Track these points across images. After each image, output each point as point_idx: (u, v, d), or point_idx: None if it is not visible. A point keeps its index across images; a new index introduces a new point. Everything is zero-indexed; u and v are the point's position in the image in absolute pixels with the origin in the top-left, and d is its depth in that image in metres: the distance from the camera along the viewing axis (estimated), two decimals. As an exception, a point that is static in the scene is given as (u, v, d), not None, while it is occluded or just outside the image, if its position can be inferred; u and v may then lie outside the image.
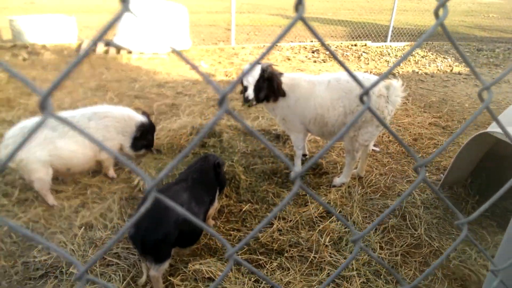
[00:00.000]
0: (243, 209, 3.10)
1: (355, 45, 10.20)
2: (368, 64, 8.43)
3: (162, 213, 2.12)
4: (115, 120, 3.30)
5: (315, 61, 8.40)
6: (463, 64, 8.67)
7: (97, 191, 3.28)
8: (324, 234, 2.83)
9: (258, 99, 3.26)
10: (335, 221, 2.97)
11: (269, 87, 3.22)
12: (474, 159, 3.30)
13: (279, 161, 3.89)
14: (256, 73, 3.18)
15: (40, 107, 0.50)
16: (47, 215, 2.92)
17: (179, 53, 0.58)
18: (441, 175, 3.73)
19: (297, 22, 0.60)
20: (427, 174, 3.82)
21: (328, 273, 2.47)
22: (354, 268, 2.51)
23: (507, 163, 3.15)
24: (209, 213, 2.68)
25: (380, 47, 10.22)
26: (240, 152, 3.90)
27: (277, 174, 3.62)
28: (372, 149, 4.20)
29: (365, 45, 10.27)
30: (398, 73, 7.83)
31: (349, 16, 13.96)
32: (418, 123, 5.11)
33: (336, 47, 9.74)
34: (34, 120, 3.13)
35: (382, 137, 4.58)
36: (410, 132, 4.80)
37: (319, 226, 2.93)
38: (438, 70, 8.19)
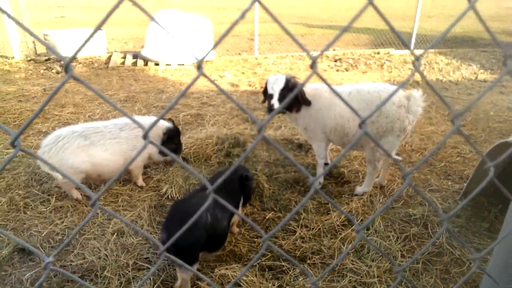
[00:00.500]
0: (267, 217, 3.20)
1: (378, 53, 10.18)
2: (391, 72, 8.41)
3: (190, 219, 2.25)
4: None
5: (337, 70, 8.45)
6: (489, 71, 8.52)
7: (127, 199, 3.46)
8: (346, 242, 2.89)
9: (287, 108, 3.40)
10: (364, 237, 3.02)
11: (295, 97, 3.32)
12: (497, 167, 3.29)
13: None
14: (281, 82, 3.32)
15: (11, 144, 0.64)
16: (81, 222, 3.11)
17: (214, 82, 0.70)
18: (464, 183, 3.72)
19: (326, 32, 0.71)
20: (449, 183, 3.82)
21: (350, 279, 2.53)
22: (376, 275, 2.56)
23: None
24: (233, 221, 2.80)
25: (403, 54, 10.16)
26: (263, 161, 4.01)
27: (299, 182, 3.70)
28: (394, 158, 4.22)
29: (388, 53, 10.24)
30: (422, 80, 7.77)
31: (372, 24, 13.93)
32: (441, 131, 5.09)
33: (359, 56, 9.76)
34: (68, 128, 3.36)
35: (405, 146, 4.59)
36: (433, 140, 4.78)
37: (341, 234, 2.99)
38: (462, 77, 8.08)
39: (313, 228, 3.05)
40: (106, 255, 2.70)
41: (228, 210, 2.54)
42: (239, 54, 10.08)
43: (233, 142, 4.12)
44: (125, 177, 3.71)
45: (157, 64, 8.19)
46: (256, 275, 2.50)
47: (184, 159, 3.96)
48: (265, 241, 0.86)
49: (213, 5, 19.93)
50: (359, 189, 3.55)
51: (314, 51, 10.24)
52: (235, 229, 2.98)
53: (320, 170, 3.72)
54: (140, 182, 3.66)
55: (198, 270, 2.50)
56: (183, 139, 4.12)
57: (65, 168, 3.15)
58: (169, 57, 8.22)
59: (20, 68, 7.85)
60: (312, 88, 3.48)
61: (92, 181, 3.55)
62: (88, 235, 2.96)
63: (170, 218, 2.36)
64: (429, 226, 3.10)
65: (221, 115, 5.48)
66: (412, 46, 10.48)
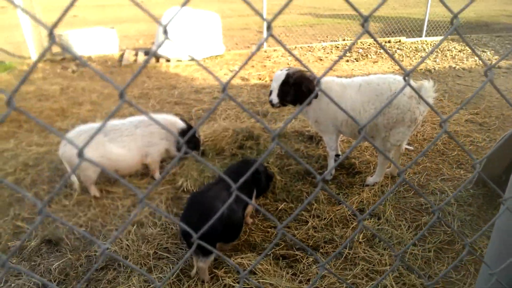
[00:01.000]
0: (279, 208, 3.30)
1: (389, 41, 10.11)
2: (402, 61, 8.36)
3: (208, 211, 2.37)
4: (158, 127, 3.61)
5: (347, 61, 8.44)
6: (506, 58, 8.39)
7: (145, 192, 3.59)
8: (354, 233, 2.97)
9: (284, 102, 3.47)
10: (367, 219, 3.10)
11: (297, 91, 3.39)
12: (508, 156, 3.31)
13: (312, 162, 4.05)
14: (280, 78, 3.41)
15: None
16: (103, 215, 3.26)
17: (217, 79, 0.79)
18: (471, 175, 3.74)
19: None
20: (462, 172, 3.85)
21: (362, 267, 2.62)
22: (387, 263, 2.64)
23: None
24: (247, 211, 2.90)
25: (415, 42, 10.06)
26: (275, 154, 4.10)
27: (310, 174, 3.78)
28: (406, 148, 4.26)
29: (399, 41, 10.15)
30: (434, 69, 7.73)
31: (382, 11, 13.78)
32: (454, 120, 5.09)
33: (369, 45, 9.70)
34: (89, 125, 3.52)
35: (417, 135, 4.62)
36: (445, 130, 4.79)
37: (352, 223, 3.07)
38: (476, 64, 7.99)
39: (325, 218, 3.14)
40: (127, 245, 2.84)
41: (242, 202, 2.64)
42: (248, 47, 10.12)
43: (247, 135, 4.22)
44: (143, 171, 3.85)
45: (168, 60, 8.31)
46: (270, 264, 2.61)
47: (203, 152, 4.08)
48: (279, 230, 0.95)
49: (222, -2, 19.92)
50: (370, 180, 3.62)
51: (323, 41, 10.22)
52: (249, 220, 3.08)
53: (332, 162, 3.78)
54: (157, 175, 3.80)
55: (215, 259, 2.61)
56: (201, 131, 4.24)
57: (84, 162, 3.30)
58: (179, 53, 8.33)
59: (37, 68, 8.06)
60: (327, 81, 3.53)
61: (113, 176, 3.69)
62: (110, 226, 3.10)
63: (188, 210, 2.48)
64: (440, 214, 3.15)
65: (232, 109, 5.57)
66: (424, 33, 10.36)
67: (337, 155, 3.99)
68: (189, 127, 3.83)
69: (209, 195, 2.52)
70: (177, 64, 8.20)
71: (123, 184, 3.62)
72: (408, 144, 4.37)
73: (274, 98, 3.44)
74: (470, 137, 4.60)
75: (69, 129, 4.90)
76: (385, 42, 9.97)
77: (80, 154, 0.77)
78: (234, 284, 2.44)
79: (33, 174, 3.83)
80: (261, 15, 0.81)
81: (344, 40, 10.48)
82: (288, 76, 3.38)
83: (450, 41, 9.93)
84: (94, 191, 3.50)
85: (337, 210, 3.22)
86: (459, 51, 9.03)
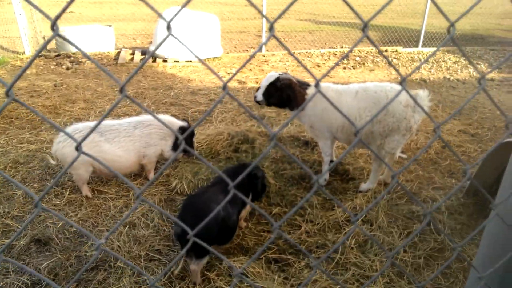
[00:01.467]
0: (273, 212, 3.29)
1: (386, 50, 10.19)
2: (398, 70, 8.43)
3: (203, 213, 2.36)
4: (158, 128, 3.59)
5: (344, 68, 8.49)
6: (497, 70, 8.50)
7: (142, 188, 3.57)
8: (350, 237, 2.97)
9: (269, 103, 3.62)
10: (360, 225, 3.11)
11: (280, 96, 3.50)
12: (500, 166, 3.34)
13: (307, 166, 4.05)
14: (270, 79, 3.53)
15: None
16: (95, 215, 3.23)
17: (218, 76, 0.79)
18: (467, 182, 3.78)
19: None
20: (454, 181, 3.88)
21: (353, 273, 2.62)
22: (378, 269, 2.64)
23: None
24: (241, 215, 2.89)
25: (411, 52, 10.16)
26: (270, 158, 4.10)
27: (305, 179, 3.79)
28: (399, 156, 4.29)
29: (396, 50, 10.23)
30: (429, 79, 7.80)
31: (380, 21, 13.90)
32: (447, 130, 5.14)
33: (366, 53, 9.77)
34: (85, 124, 3.49)
35: (410, 144, 4.65)
36: (438, 139, 4.83)
37: (345, 229, 3.08)
38: (470, 76, 8.08)
39: (318, 223, 3.14)
40: (119, 246, 2.81)
41: (237, 205, 2.63)
42: (247, 50, 10.14)
43: (242, 139, 4.21)
44: (136, 172, 3.82)
45: (165, 61, 8.29)
46: (262, 267, 2.60)
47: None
48: (275, 229, 0.95)
49: (221, 1, 19.97)
50: (363, 186, 3.63)
51: (322, 48, 10.27)
52: (243, 223, 3.07)
53: (326, 168, 3.79)
54: (152, 176, 3.77)
55: (207, 261, 2.60)
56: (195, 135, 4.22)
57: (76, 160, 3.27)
58: (177, 53, 8.31)
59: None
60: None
61: (104, 176, 3.66)
62: (101, 227, 3.07)
63: (183, 212, 2.46)
64: (431, 223, 3.17)
65: (229, 112, 5.57)
66: (420, 43, 10.47)
67: (331, 161, 4.00)
68: (189, 126, 3.82)
69: (205, 198, 2.51)
70: (174, 64, 8.18)
71: (120, 180, 3.61)
72: (402, 152, 4.40)
73: (259, 95, 3.59)
74: (462, 147, 4.64)
75: (62, 127, 4.86)
76: (382, 51, 10.06)
77: (78, 148, 0.76)
78: (225, 287, 2.43)
79: (24, 172, 3.79)
80: (264, 15, 0.81)
81: (342, 47, 10.54)
82: (278, 79, 3.49)
83: (446, 53, 10.04)
84: (86, 191, 3.46)
85: (330, 215, 3.22)
86: (454, 62, 9.14)
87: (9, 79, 6.85)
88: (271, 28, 0.78)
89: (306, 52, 9.80)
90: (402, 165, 4.18)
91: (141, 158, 3.58)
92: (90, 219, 3.17)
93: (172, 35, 0.73)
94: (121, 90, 0.74)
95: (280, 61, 8.89)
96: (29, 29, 8.64)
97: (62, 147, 3.29)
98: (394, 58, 9.45)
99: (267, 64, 8.53)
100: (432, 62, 9.01)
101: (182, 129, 3.70)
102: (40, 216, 3.16)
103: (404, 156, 4.36)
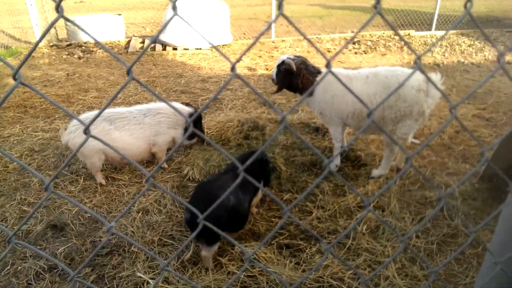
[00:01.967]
0: (284, 198, 3.30)
1: (393, 31, 10.00)
2: (411, 54, 8.28)
3: (214, 199, 2.37)
4: (166, 116, 3.60)
5: (355, 53, 8.37)
6: (513, 52, 8.28)
7: (152, 171, 3.61)
8: (362, 223, 2.97)
9: (277, 90, 3.74)
10: (372, 211, 3.10)
11: (283, 80, 3.58)
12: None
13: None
14: (278, 61, 3.61)
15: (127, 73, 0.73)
16: (109, 201, 3.28)
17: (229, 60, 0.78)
18: (483, 167, 3.72)
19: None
20: (468, 166, 3.82)
21: (365, 258, 2.62)
22: (390, 255, 2.64)
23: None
24: (253, 202, 2.90)
25: (424, 36, 9.95)
26: (281, 145, 4.09)
27: (316, 165, 3.78)
28: (412, 141, 4.23)
29: (409, 34, 10.04)
30: (443, 63, 7.64)
31: (392, 3, 13.61)
32: (461, 115, 5.05)
33: (378, 38, 9.61)
34: (95, 112, 3.53)
35: (423, 129, 4.59)
36: (452, 124, 4.75)
37: (356, 215, 3.07)
38: (485, 59, 7.89)
39: (329, 209, 3.14)
40: (132, 231, 2.86)
41: (249, 192, 2.64)
42: (256, 37, 10.05)
43: (252, 126, 4.21)
44: (149, 159, 3.85)
45: (175, 49, 8.28)
46: (274, 253, 2.62)
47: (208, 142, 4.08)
48: (286, 212, 0.95)
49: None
50: (375, 172, 3.60)
51: (332, 33, 10.13)
52: (254, 210, 3.09)
53: (337, 153, 3.77)
54: (163, 164, 3.81)
55: (219, 247, 2.62)
56: (203, 122, 4.22)
57: (88, 149, 3.31)
58: (186, 41, 8.29)
59: (43, 53, 8.07)
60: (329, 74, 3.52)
61: (117, 164, 3.70)
62: (115, 213, 3.13)
63: (194, 199, 2.48)
64: (444, 208, 3.14)
65: (239, 99, 5.55)
66: (433, 27, 10.24)
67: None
68: (196, 111, 3.83)
69: (216, 185, 2.52)
70: (184, 52, 8.17)
71: (132, 166, 3.65)
72: (415, 137, 4.34)
73: (273, 75, 3.72)
74: (476, 132, 4.56)
75: (75, 115, 4.92)
76: (394, 35, 9.86)
77: (86, 132, 0.76)
78: (238, 272, 2.46)
79: (39, 160, 3.86)
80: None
81: (352, 32, 10.37)
82: (282, 63, 3.54)
83: (460, 36, 9.80)
84: (100, 178, 3.51)
85: (342, 201, 3.22)
86: (468, 45, 8.92)
87: (22, 68, 6.91)
88: (279, 6, 0.76)
89: (317, 37, 9.68)
90: (415, 151, 4.14)
91: (151, 146, 3.61)
92: (104, 205, 3.22)
93: (178, 15, 0.73)
94: (128, 72, 0.74)
95: (290, 47, 8.80)
96: (40, 19, 8.70)
97: (73, 137, 3.32)
98: (402, 40, 9.26)
99: (277, 51, 8.46)
100: (446, 46, 8.81)
101: (190, 115, 3.70)
102: (55, 202, 3.22)
103: (416, 141, 4.30)
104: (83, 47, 8.52)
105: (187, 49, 8.32)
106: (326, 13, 13.75)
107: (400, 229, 2.91)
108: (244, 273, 2.44)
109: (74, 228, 2.96)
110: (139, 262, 2.56)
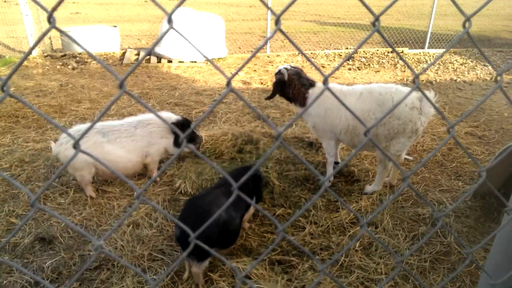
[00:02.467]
0: (277, 213, 3.27)
1: (392, 52, 10.14)
2: (404, 71, 8.38)
3: (204, 216, 2.34)
4: (157, 126, 3.58)
5: (350, 69, 8.46)
6: (507, 72, 8.43)
7: (142, 188, 3.56)
8: (355, 238, 2.94)
9: (269, 97, 3.77)
10: (367, 230, 3.08)
11: (276, 87, 3.66)
12: (508, 170, 3.30)
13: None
14: (276, 70, 3.70)
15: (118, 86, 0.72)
16: (99, 214, 3.22)
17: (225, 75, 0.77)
18: (475, 184, 3.73)
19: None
20: (460, 184, 3.84)
21: (358, 276, 2.59)
22: (383, 272, 2.61)
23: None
24: (245, 217, 2.87)
25: (417, 54, 10.10)
26: (274, 159, 4.08)
27: (309, 180, 3.76)
28: (405, 158, 4.25)
29: (402, 51, 10.18)
30: (435, 81, 7.74)
31: (386, 22, 13.85)
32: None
33: (371, 54, 9.73)
34: (87, 125, 3.49)
35: (416, 146, 4.61)
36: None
37: (349, 231, 3.05)
38: (477, 78, 8.01)
39: (322, 225, 3.12)
40: (122, 245, 2.81)
41: (240, 209, 2.61)
42: (251, 51, 10.14)
43: (246, 139, 4.20)
44: (140, 171, 3.81)
45: (170, 61, 8.30)
46: (266, 269, 2.58)
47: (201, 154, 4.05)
48: (280, 232, 0.93)
49: (226, 2, 20.00)
50: (368, 188, 3.59)
51: (326, 49, 10.24)
52: (246, 225, 3.05)
53: (330, 169, 3.76)
54: (155, 175, 3.76)
55: (210, 262, 2.58)
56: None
57: (78, 162, 3.26)
58: (182, 54, 8.32)
59: (37, 63, 8.04)
60: (320, 87, 3.54)
61: (108, 177, 3.65)
62: (105, 226, 3.07)
63: (184, 214, 2.45)
64: (436, 222, 3.13)
65: (233, 113, 5.55)
66: (426, 45, 10.40)
67: (336, 163, 3.97)
68: (184, 120, 3.77)
69: (207, 200, 2.49)
70: (179, 65, 8.19)
71: (122, 180, 3.60)
72: (408, 154, 4.36)
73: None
74: (469, 150, 4.59)
75: (67, 126, 4.88)
76: (388, 52, 10.00)
77: (76, 146, 0.74)
78: (228, 289, 2.41)
79: (29, 171, 3.79)
80: (270, 8, 0.80)
81: (347, 48, 10.50)
82: (278, 72, 3.63)
83: (452, 54, 9.97)
84: (90, 191, 3.45)
85: (335, 217, 3.20)
86: (461, 64, 9.07)
87: (15, 78, 6.88)
88: (277, 22, 0.76)
89: (311, 53, 9.77)
90: (408, 168, 4.15)
91: (144, 158, 3.57)
92: (94, 218, 3.16)
93: (174, 28, 0.72)
94: (120, 85, 0.72)
95: (285, 61, 8.87)
96: (36, 30, 8.69)
97: (64, 149, 3.28)
98: (400, 59, 9.40)
99: (272, 65, 8.52)
100: (439, 64, 8.94)
101: (177, 122, 3.65)
102: (44, 214, 3.16)
103: (410, 158, 4.32)
104: (78, 58, 8.50)
105: (182, 61, 8.35)
106: (321, 29, 13.93)
107: (393, 246, 2.89)
108: (235, 289, 2.39)
109: (62, 241, 2.90)
110: (128, 277, 2.50)
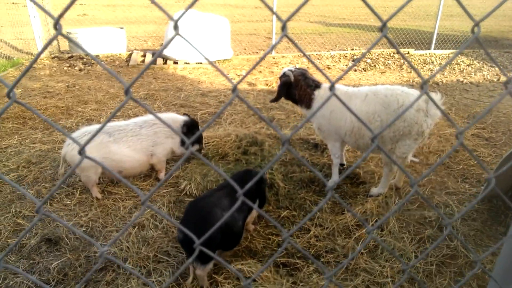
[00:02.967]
0: (282, 215, 3.26)
1: (397, 53, 10.09)
2: (410, 73, 8.34)
3: (206, 218, 2.34)
4: (163, 126, 3.60)
5: (355, 70, 8.43)
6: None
7: (148, 194, 3.58)
8: (360, 242, 2.93)
9: (274, 99, 3.78)
10: (375, 238, 3.06)
11: (282, 90, 3.65)
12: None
13: (317, 170, 4.02)
14: (281, 73, 3.72)
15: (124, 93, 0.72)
16: (104, 215, 3.24)
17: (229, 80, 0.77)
18: (481, 187, 3.71)
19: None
20: (467, 186, 3.80)
21: (363, 279, 2.58)
22: (389, 275, 2.59)
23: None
24: (248, 220, 2.87)
25: (423, 55, 10.05)
26: (279, 161, 4.07)
27: (314, 182, 3.75)
28: (411, 160, 4.22)
29: (408, 53, 10.13)
30: (442, 82, 7.69)
31: (392, 23, 13.79)
32: (460, 134, 5.04)
33: (377, 55, 9.69)
34: (94, 126, 3.52)
35: (422, 148, 4.58)
36: (452, 143, 4.76)
37: (355, 234, 3.03)
38: (484, 79, 7.95)
39: (327, 228, 3.10)
40: (127, 247, 2.82)
41: (243, 211, 2.61)
42: (257, 52, 10.14)
43: (251, 141, 4.19)
44: (146, 173, 3.83)
45: (176, 63, 8.33)
46: (270, 271, 2.57)
47: (205, 155, 4.06)
48: (286, 239, 0.93)
49: (231, 3, 20.03)
50: (374, 190, 3.57)
51: (332, 50, 10.22)
52: (251, 227, 3.05)
53: (336, 170, 3.75)
54: (163, 175, 3.78)
55: (215, 264, 2.58)
56: (204, 136, 4.21)
57: (84, 162, 3.28)
58: (187, 55, 8.35)
59: (44, 65, 8.10)
60: (325, 89, 3.53)
61: (114, 178, 3.67)
62: (110, 227, 3.08)
63: (186, 217, 2.45)
64: (443, 228, 3.11)
65: (238, 114, 5.56)
66: (432, 46, 10.34)
67: (341, 164, 3.95)
68: (192, 121, 3.81)
69: (209, 202, 2.49)
70: (185, 66, 8.21)
71: (125, 185, 3.62)
72: (414, 156, 4.33)
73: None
74: (476, 152, 4.56)
75: (73, 127, 4.92)
76: (394, 53, 9.95)
77: (81, 152, 0.75)
78: (233, 291, 2.41)
79: (36, 172, 3.82)
80: (276, 14, 0.80)
81: (352, 49, 10.47)
82: (283, 74, 3.64)
83: (459, 55, 9.90)
84: (95, 192, 3.47)
85: (340, 220, 3.18)
86: (467, 65, 9.00)
87: (22, 79, 6.95)
88: (283, 28, 0.76)
89: (316, 54, 9.76)
90: (414, 170, 4.12)
91: (149, 158, 3.60)
92: (100, 220, 3.18)
93: (179, 34, 0.72)
94: (126, 92, 0.73)
95: (290, 63, 8.86)
96: (43, 31, 8.76)
97: (72, 149, 3.31)
98: (409, 65, 9.34)
99: (277, 66, 8.51)
100: (442, 66, 8.88)
101: (186, 122, 3.70)
102: (48, 216, 3.18)
103: (416, 160, 4.29)
104: (85, 59, 8.56)
105: (188, 63, 8.37)
106: (326, 30, 13.91)
107: (399, 249, 2.87)
108: (240, 292, 2.39)
109: (68, 242, 2.91)
110: (134, 279, 2.51)
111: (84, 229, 3.05)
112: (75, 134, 3.41)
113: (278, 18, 0.76)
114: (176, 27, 0.72)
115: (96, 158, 2.91)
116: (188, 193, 3.52)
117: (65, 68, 7.92)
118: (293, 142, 4.65)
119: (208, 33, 8.30)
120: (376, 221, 3.17)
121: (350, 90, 3.49)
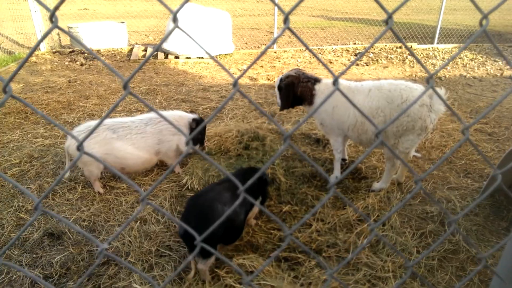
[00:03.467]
0: (283, 210, 3.27)
1: (400, 47, 10.04)
2: (413, 67, 8.30)
3: (208, 213, 2.35)
4: (168, 124, 3.59)
5: (357, 64, 8.39)
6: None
7: (147, 191, 3.58)
8: (362, 237, 2.93)
9: (288, 105, 3.66)
10: (377, 234, 3.06)
11: (287, 93, 3.56)
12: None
13: (319, 165, 4.01)
14: (276, 84, 3.65)
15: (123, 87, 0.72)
16: (106, 210, 3.25)
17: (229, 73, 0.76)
18: (484, 182, 3.69)
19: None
20: (469, 181, 3.79)
21: (365, 273, 2.58)
22: (390, 270, 2.60)
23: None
24: (250, 215, 2.87)
25: (426, 49, 9.99)
26: (281, 155, 4.07)
27: (316, 177, 3.75)
28: (414, 155, 4.21)
29: (411, 47, 10.07)
30: (445, 76, 7.65)
31: (395, 17, 13.69)
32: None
33: (380, 50, 9.64)
34: (94, 123, 3.53)
35: (425, 143, 4.57)
36: (454, 138, 4.74)
37: (356, 228, 3.03)
38: (487, 73, 7.90)
39: (329, 222, 3.10)
40: (130, 241, 2.82)
41: (245, 205, 2.61)
42: (258, 47, 10.10)
43: (253, 136, 4.19)
44: (149, 168, 3.83)
45: (177, 57, 8.31)
46: (272, 266, 2.58)
47: (207, 151, 4.06)
48: (288, 235, 0.92)
49: (233, -2, 19.92)
50: (376, 185, 3.57)
51: (334, 44, 10.17)
52: (252, 221, 3.05)
53: (337, 165, 3.74)
54: (178, 169, 3.78)
55: (216, 259, 2.59)
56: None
57: (87, 156, 3.29)
58: (188, 50, 8.32)
59: (46, 59, 8.10)
60: (327, 84, 3.51)
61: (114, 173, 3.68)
62: (112, 222, 3.09)
63: (187, 212, 2.45)
64: (445, 223, 3.10)
65: (240, 109, 5.55)
66: (436, 40, 10.28)
67: (343, 159, 3.95)
68: (200, 118, 3.83)
69: (210, 197, 2.49)
70: (186, 61, 8.20)
71: (125, 182, 3.62)
72: (416, 151, 4.32)
73: (278, 102, 3.74)
74: (479, 147, 4.54)
75: (75, 122, 4.92)
76: (396, 48, 9.90)
77: (79, 148, 0.74)
78: (235, 285, 2.42)
79: (38, 166, 3.83)
80: (278, 6, 0.79)
81: (355, 43, 10.41)
82: (280, 80, 3.59)
83: (461, 49, 9.84)
84: (98, 187, 3.48)
85: (342, 214, 3.18)
86: (471, 59, 8.95)
87: (24, 74, 6.95)
88: (285, 20, 0.75)
89: (319, 48, 9.71)
90: (416, 165, 4.11)
91: (153, 156, 3.60)
92: (102, 214, 3.19)
93: (179, 27, 0.71)
94: (125, 86, 0.72)
95: (291, 57, 8.83)
96: (44, 26, 8.75)
97: (74, 143, 3.31)
98: (409, 54, 9.30)
99: (279, 61, 8.49)
100: (448, 59, 8.84)
101: (195, 121, 3.71)
102: (53, 210, 3.20)
103: (418, 155, 4.28)
104: (86, 54, 8.55)
105: (189, 57, 8.35)
106: (328, 24, 13.84)
107: (401, 244, 2.87)
108: None
109: (71, 236, 2.92)
110: (136, 273, 2.52)
111: (86, 224, 3.06)
112: (77, 129, 3.41)
113: (281, 10, 0.75)
114: (175, 20, 0.71)
115: (98, 154, 2.91)
116: (190, 187, 3.52)
117: (67, 63, 7.92)
118: (295, 136, 4.64)
119: (209, 28, 8.27)
120: (378, 216, 3.17)
121: (353, 85, 3.47)
